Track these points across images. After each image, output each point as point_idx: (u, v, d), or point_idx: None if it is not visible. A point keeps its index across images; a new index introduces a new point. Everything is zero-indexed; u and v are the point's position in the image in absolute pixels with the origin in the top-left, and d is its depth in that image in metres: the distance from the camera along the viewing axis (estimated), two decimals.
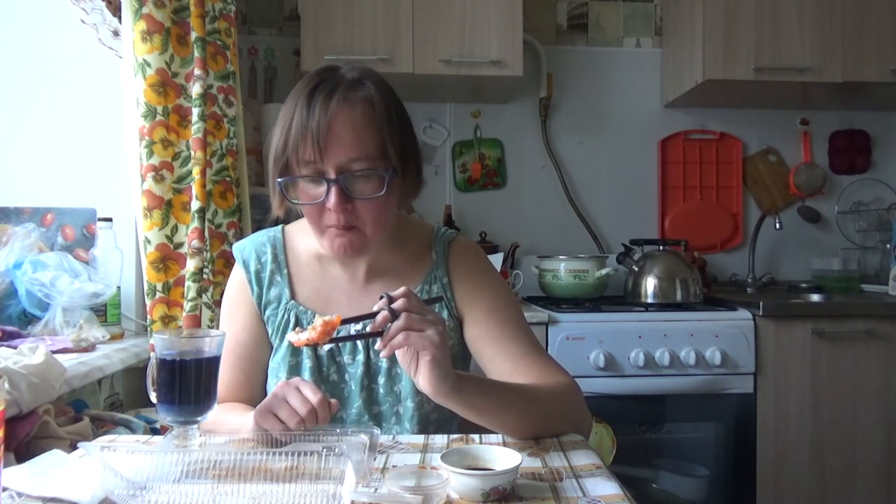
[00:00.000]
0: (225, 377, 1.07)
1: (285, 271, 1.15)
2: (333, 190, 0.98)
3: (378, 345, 0.87)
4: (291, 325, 1.13)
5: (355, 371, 1.11)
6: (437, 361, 0.85)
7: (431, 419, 1.12)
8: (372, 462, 0.85)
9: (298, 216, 1.12)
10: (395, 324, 0.85)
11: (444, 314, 1.13)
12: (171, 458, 0.76)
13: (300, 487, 0.71)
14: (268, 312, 1.15)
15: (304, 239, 1.17)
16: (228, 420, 1.03)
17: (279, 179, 1.01)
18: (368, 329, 0.88)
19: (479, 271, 1.17)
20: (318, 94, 0.99)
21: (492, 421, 0.96)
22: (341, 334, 0.90)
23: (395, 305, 0.86)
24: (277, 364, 1.13)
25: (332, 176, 0.98)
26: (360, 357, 1.11)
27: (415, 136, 1.08)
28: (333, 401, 0.92)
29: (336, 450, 0.74)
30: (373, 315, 0.87)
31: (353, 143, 0.98)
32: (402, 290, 0.88)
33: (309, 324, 1.12)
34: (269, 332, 1.15)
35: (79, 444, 0.91)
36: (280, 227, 1.21)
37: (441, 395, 0.88)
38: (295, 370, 1.11)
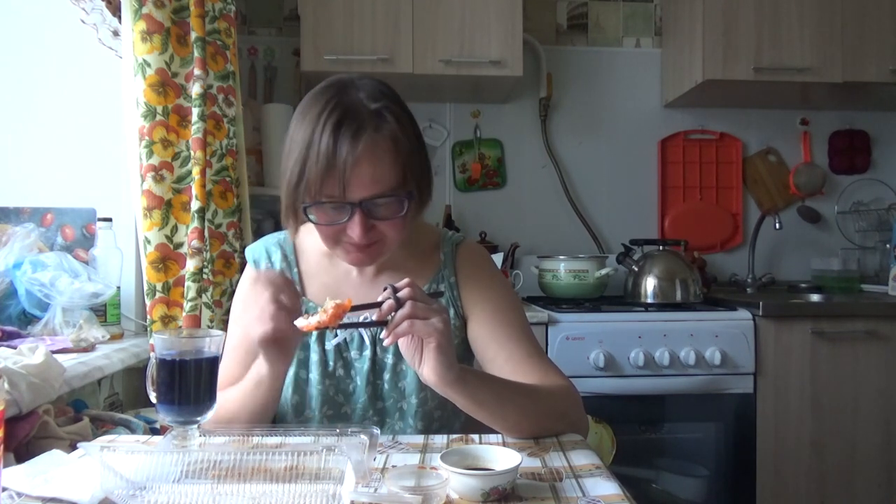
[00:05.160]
0: (231, 372, 1.08)
1: (295, 269, 1.18)
2: (357, 217, 0.98)
3: (383, 333, 0.88)
4: None
5: (361, 366, 1.13)
6: (442, 348, 0.86)
7: (435, 416, 1.13)
8: (372, 462, 0.85)
9: None
10: (400, 312, 0.86)
11: (451, 313, 1.15)
12: (171, 458, 0.76)
13: (300, 487, 0.71)
14: None
15: (312, 238, 1.18)
16: (234, 393, 1.03)
17: (304, 205, 0.99)
18: (374, 318, 0.89)
19: (487, 274, 1.19)
20: (345, 131, 0.95)
21: (492, 415, 0.97)
22: (347, 321, 0.90)
23: (399, 295, 0.87)
24: None
25: (355, 201, 0.98)
26: (367, 353, 1.13)
27: (427, 156, 1.08)
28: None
29: (336, 450, 0.74)
30: (380, 304, 0.88)
31: (378, 179, 0.97)
32: (405, 280, 0.89)
33: None
34: None
35: (78, 444, 0.90)
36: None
37: (445, 384, 0.89)
38: (303, 364, 1.12)
